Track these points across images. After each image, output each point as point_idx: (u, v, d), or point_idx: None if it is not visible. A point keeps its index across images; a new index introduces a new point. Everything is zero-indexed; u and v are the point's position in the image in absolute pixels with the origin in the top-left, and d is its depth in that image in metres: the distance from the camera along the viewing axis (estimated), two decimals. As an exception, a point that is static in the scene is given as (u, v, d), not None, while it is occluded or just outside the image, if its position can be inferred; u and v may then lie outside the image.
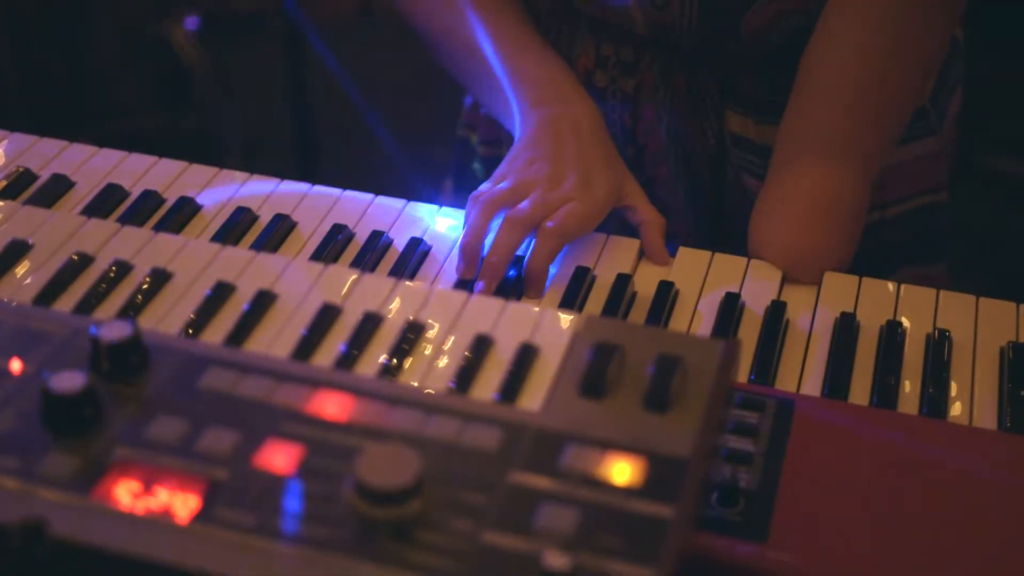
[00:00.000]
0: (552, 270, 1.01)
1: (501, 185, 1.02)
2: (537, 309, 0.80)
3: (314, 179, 1.12)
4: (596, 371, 0.72)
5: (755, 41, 1.08)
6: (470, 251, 0.99)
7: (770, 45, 1.08)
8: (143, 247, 0.89)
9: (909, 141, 1.16)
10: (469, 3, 1.14)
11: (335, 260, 1.01)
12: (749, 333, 0.95)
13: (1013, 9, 2.14)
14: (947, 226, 1.23)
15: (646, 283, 1.00)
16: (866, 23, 1.02)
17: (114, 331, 0.71)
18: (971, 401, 0.88)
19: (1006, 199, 2.34)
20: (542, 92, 1.09)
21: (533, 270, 0.99)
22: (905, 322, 0.95)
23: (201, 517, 0.64)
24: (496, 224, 1.00)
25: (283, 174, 1.12)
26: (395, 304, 0.82)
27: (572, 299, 0.98)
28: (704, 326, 0.96)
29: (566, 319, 0.78)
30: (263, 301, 0.83)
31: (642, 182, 1.17)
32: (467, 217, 1.02)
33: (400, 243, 1.03)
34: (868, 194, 1.06)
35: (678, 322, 0.97)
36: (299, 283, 0.84)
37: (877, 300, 0.98)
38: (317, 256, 1.01)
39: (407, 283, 0.84)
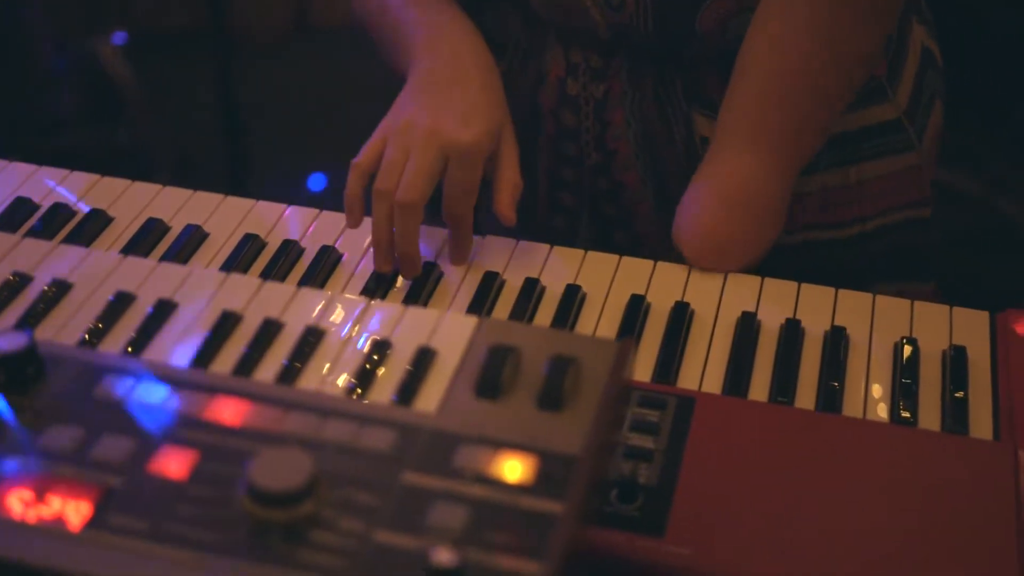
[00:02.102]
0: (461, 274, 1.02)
1: (381, 158, 1.02)
2: (436, 313, 0.81)
3: (245, 194, 1.11)
4: (491, 372, 0.73)
5: (712, 39, 1.09)
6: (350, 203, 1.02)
7: (729, 43, 1.08)
8: (44, 258, 0.89)
9: (885, 155, 1.16)
10: None
11: (246, 269, 1.02)
12: (654, 333, 0.96)
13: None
14: (931, 243, 1.21)
15: (554, 287, 1.01)
16: (784, 14, 1.02)
17: (9, 342, 0.72)
18: (865, 396, 0.90)
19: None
20: (434, 35, 1.09)
21: (451, 217, 1.02)
22: (804, 320, 0.97)
23: (93, 524, 0.64)
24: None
25: (215, 189, 1.11)
26: (296, 310, 0.82)
27: (480, 303, 0.99)
28: (610, 328, 0.97)
29: (464, 322, 0.79)
30: (164, 309, 0.84)
31: (611, 188, 1.19)
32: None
33: (312, 251, 1.04)
34: (782, 187, 1.05)
35: (585, 324, 0.98)
36: (201, 291, 0.85)
37: (778, 300, 0.99)
38: (228, 265, 1.02)
39: (308, 289, 0.85)
